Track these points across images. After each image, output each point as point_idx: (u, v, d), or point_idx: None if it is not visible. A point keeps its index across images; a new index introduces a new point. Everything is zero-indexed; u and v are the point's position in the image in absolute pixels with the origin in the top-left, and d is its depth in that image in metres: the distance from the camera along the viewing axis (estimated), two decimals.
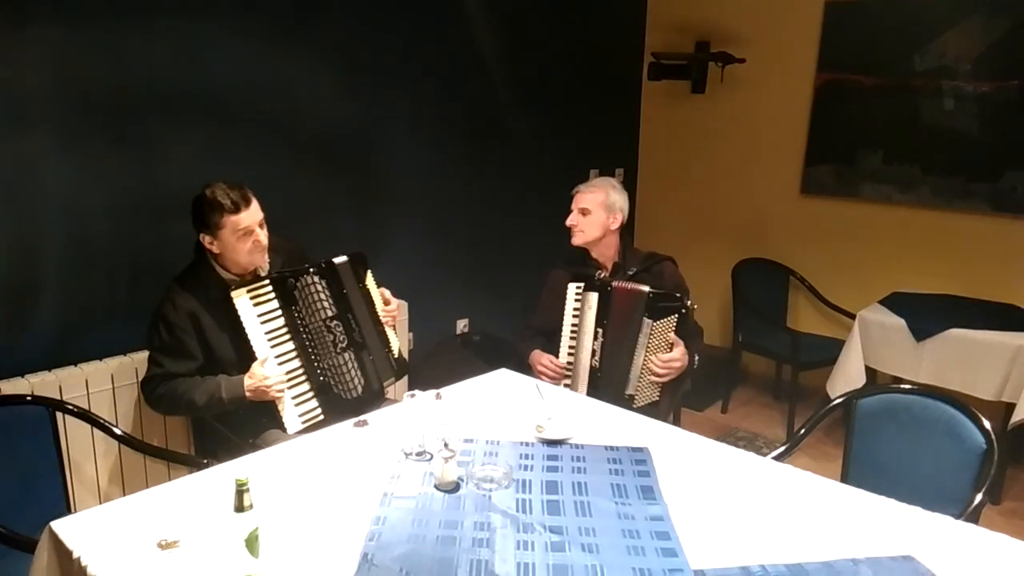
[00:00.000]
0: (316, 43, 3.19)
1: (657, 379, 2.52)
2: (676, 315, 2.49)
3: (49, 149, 2.51)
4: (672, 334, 2.50)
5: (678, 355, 2.50)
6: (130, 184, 2.71)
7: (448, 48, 3.72)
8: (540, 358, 2.71)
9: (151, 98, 2.71)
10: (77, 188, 2.59)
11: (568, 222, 2.73)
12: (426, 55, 3.63)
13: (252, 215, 2.23)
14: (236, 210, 2.19)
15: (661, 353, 2.51)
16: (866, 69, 3.94)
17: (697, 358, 2.62)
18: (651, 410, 2.52)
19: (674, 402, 2.70)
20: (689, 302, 2.52)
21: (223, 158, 2.93)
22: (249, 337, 2.22)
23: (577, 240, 2.74)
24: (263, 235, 2.27)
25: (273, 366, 2.25)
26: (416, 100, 3.64)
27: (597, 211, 2.68)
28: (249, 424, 2.34)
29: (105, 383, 2.60)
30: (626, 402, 2.52)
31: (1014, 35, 3.52)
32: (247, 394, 2.20)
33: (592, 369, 2.59)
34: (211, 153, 2.89)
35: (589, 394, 2.54)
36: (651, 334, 2.50)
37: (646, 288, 2.52)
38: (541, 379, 2.66)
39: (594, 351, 2.58)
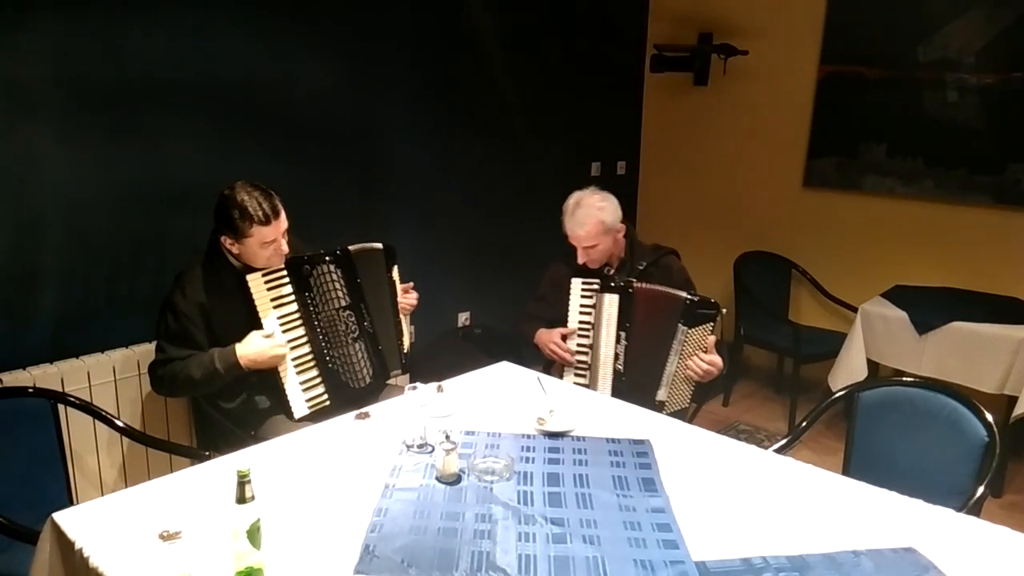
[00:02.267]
0: (317, 34, 3.19)
1: (696, 377, 2.42)
2: (711, 323, 2.40)
3: (50, 141, 2.51)
4: (710, 338, 2.41)
5: (718, 361, 2.42)
6: (131, 175, 2.70)
7: (449, 40, 3.71)
8: (553, 336, 2.63)
9: (152, 89, 2.71)
10: (78, 180, 2.58)
11: (580, 261, 2.62)
12: (427, 47, 3.62)
13: (280, 226, 2.22)
14: (266, 222, 2.18)
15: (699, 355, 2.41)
16: (869, 61, 3.92)
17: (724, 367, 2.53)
18: (677, 414, 2.45)
19: (699, 407, 2.63)
20: (723, 308, 2.44)
21: (223, 149, 2.92)
22: (261, 320, 2.23)
23: (595, 265, 2.64)
24: (285, 243, 2.26)
25: (277, 335, 2.25)
26: (417, 93, 3.63)
27: (602, 240, 2.59)
28: (250, 416, 2.34)
29: (107, 375, 2.61)
30: (655, 408, 2.43)
31: (1018, 27, 3.50)
32: (242, 362, 2.20)
33: (616, 372, 2.53)
34: (212, 144, 2.89)
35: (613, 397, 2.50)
36: (686, 341, 2.42)
37: (683, 294, 2.43)
38: (552, 357, 2.63)
39: (617, 354, 2.52)
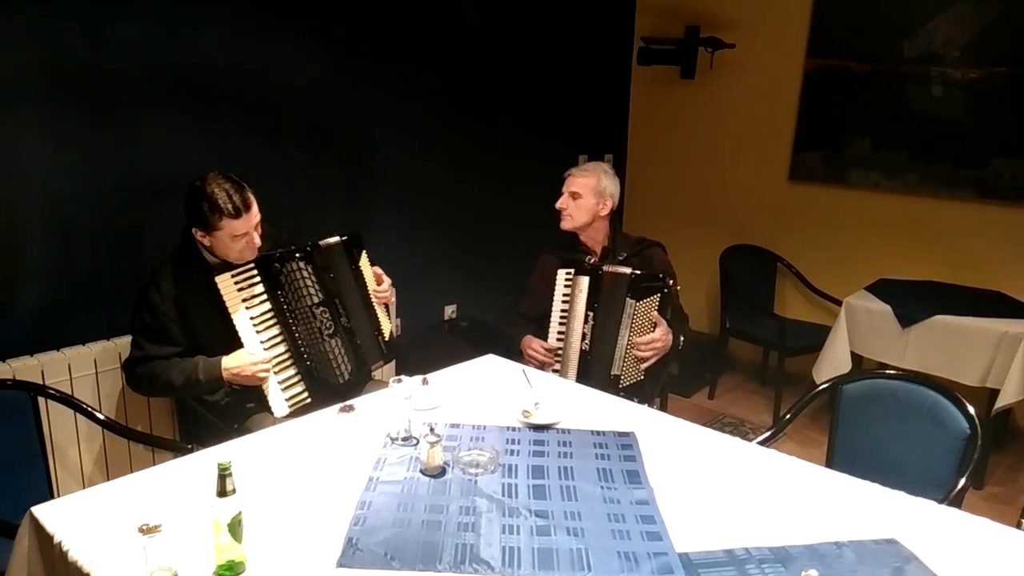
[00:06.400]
0: (302, 23, 3.15)
1: (642, 360, 2.54)
2: (658, 295, 2.52)
3: (30, 130, 2.47)
4: (655, 313, 2.52)
5: (659, 335, 2.52)
6: (113, 166, 2.67)
7: (436, 32, 3.68)
8: (531, 343, 2.71)
9: (134, 79, 2.67)
10: (59, 170, 2.55)
11: (558, 205, 2.74)
12: (413, 37, 3.59)
13: (251, 220, 2.18)
14: (236, 216, 2.14)
15: (644, 333, 2.53)
16: (855, 55, 3.94)
17: (682, 339, 2.64)
18: (637, 391, 2.53)
19: (659, 384, 2.71)
20: (672, 282, 2.54)
21: (207, 140, 2.89)
22: (234, 321, 2.20)
23: (566, 224, 2.74)
24: (257, 237, 2.23)
25: (260, 352, 2.22)
26: (404, 84, 3.61)
27: (587, 196, 2.69)
28: (234, 409, 2.32)
29: (88, 368, 2.58)
30: (612, 382, 2.54)
31: (1003, 22, 3.52)
32: (225, 375, 2.18)
33: (582, 352, 2.60)
34: (195, 134, 2.86)
35: (579, 377, 2.56)
36: (634, 314, 2.53)
37: (628, 270, 2.56)
38: (531, 364, 2.66)
39: (584, 334, 2.60)
